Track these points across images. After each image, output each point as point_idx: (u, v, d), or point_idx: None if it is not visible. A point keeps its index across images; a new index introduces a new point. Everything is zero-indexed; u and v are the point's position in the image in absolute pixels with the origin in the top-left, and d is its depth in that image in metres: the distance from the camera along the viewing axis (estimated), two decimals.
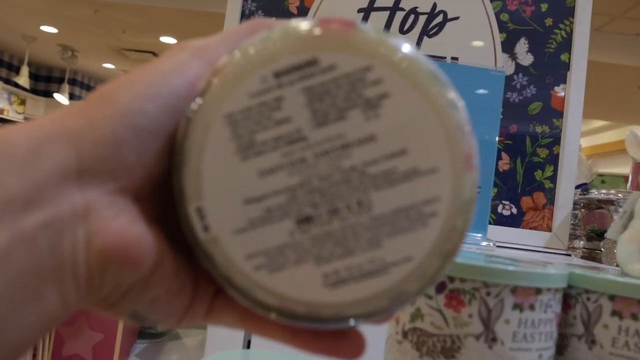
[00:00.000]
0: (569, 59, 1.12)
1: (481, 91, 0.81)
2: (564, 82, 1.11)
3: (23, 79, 5.83)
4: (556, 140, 1.10)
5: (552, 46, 1.12)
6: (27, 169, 0.17)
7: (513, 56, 1.12)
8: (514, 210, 1.10)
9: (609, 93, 4.64)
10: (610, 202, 1.16)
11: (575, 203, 1.18)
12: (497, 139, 0.80)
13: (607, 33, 3.41)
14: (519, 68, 1.12)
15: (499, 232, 1.07)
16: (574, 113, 1.10)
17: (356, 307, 0.20)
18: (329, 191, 0.20)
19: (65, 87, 6.30)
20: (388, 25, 1.13)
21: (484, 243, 0.78)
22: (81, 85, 7.12)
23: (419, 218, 0.20)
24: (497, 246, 0.87)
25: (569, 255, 1.06)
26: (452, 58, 1.11)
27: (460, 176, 0.20)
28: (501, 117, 1.07)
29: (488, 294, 0.39)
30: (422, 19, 1.13)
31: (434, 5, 1.14)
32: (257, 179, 0.20)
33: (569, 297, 0.43)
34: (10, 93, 6.44)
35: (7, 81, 6.37)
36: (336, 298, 0.20)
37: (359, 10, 1.15)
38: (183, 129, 0.20)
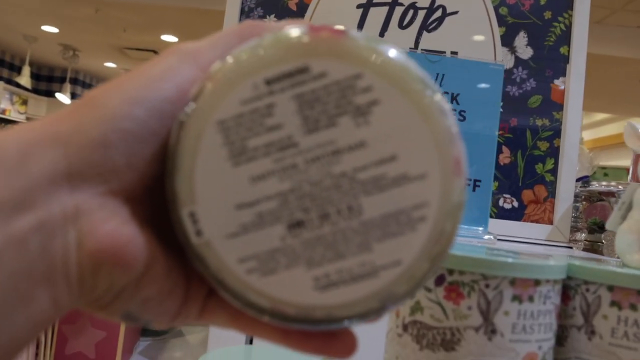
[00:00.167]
0: (569, 51, 1.11)
1: (481, 85, 0.81)
2: (564, 75, 1.11)
3: (25, 79, 5.83)
4: (556, 133, 1.10)
5: (552, 39, 1.12)
6: (17, 173, 0.18)
7: (512, 50, 1.12)
8: (515, 204, 1.10)
9: (610, 85, 4.63)
10: (612, 194, 1.16)
11: (576, 196, 1.18)
12: (497, 132, 0.80)
13: (608, 25, 3.41)
14: (518, 61, 1.12)
15: (500, 226, 1.07)
16: (574, 106, 1.10)
17: (347, 309, 0.20)
18: (320, 196, 0.20)
19: (67, 86, 6.31)
20: (387, 21, 1.13)
21: (486, 237, 0.78)
22: (83, 84, 7.13)
23: (408, 223, 0.20)
24: (499, 239, 0.87)
25: (571, 247, 1.06)
26: (452, 52, 1.11)
27: (449, 181, 0.20)
28: (501, 110, 1.07)
29: (487, 286, 0.39)
30: (421, 14, 1.13)
31: (433, 0, 1.13)
32: (249, 185, 0.20)
33: (568, 289, 0.44)
34: (12, 93, 6.45)
35: (9, 81, 6.37)
36: (327, 300, 0.20)
37: (358, 6, 1.15)
38: (175, 134, 0.20)
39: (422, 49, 1.11)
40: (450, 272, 0.40)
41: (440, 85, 0.80)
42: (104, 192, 0.19)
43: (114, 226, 0.19)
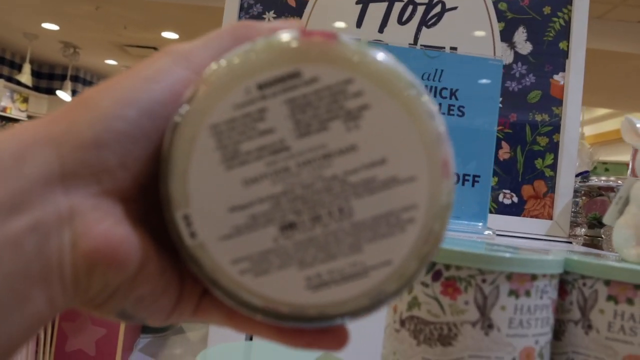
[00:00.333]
0: (568, 46, 1.11)
1: (480, 80, 0.81)
2: (563, 70, 1.11)
3: (25, 77, 5.83)
4: (556, 128, 1.10)
5: (551, 34, 1.12)
6: (12, 175, 0.18)
7: (512, 45, 1.12)
8: (515, 199, 1.10)
9: (611, 80, 4.62)
10: (611, 189, 1.16)
11: (576, 191, 1.18)
12: (496, 128, 0.80)
13: (609, 20, 3.40)
14: (517, 57, 1.12)
15: (500, 221, 1.07)
16: (574, 101, 1.10)
17: (338, 307, 0.21)
18: (312, 199, 0.21)
19: (68, 84, 6.30)
20: (386, 16, 1.13)
21: (485, 232, 0.78)
22: (84, 82, 7.12)
23: (398, 224, 0.21)
24: (499, 235, 0.87)
25: (571, 242, 1.06)
26: (451, 48, 1.11)
27: (438, 183, 0.21)
28: (500, 106, 1.07)
29: (484, 281, 0.39)
30: (421, 10, 1.13)
31: None
32: (241, 188, 0.21)
33: (565, 283, 0.44)
34: (12, 91, 6.46)
35: (10, 79, 6.38)
36: (319, 299, 0.21)
37: (358, 2, 1.14)
38: (169, 137, 0.21)
39: (421, 45, 1.11)
40: (447, 267, 0.40)
41: (439, 81, 0.80)
42: (98, 193, 0.20)
43: (108, 226, 0.19)
